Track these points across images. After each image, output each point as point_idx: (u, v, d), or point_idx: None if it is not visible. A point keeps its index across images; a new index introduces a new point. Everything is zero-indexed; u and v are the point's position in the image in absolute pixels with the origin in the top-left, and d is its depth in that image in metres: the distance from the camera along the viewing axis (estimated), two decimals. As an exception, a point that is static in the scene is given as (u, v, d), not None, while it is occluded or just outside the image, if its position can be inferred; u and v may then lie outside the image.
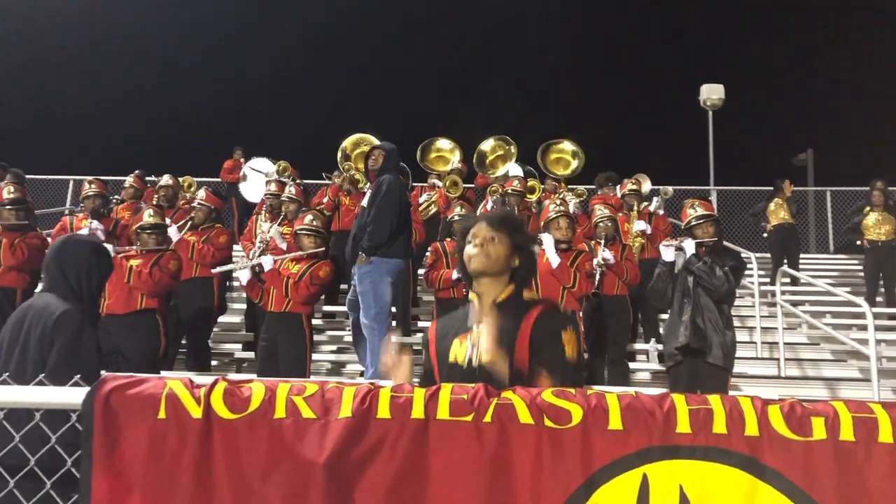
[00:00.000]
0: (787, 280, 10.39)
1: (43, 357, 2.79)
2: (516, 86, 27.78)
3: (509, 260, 2.46)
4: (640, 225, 8.08)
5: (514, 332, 2.35)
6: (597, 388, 2.49)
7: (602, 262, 6.47)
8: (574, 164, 9.77)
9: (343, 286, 8.96)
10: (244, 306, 8.62)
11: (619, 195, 9.15)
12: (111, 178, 11.63)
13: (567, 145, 9.82)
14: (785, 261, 10.46)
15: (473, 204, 8.99)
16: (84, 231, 7.05)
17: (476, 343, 2.33)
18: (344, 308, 8.78)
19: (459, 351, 2.40)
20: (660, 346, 6.86)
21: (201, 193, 7.83)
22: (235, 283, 8.53)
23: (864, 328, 7.18)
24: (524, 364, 2.33)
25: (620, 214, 8.26)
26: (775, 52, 26.53)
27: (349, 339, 8.23)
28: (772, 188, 11.34)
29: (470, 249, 2.46)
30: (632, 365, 7.27)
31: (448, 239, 7.01)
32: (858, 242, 10.11)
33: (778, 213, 10.84)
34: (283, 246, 7.21)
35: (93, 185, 7.75)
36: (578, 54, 27.20)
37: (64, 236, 3.53)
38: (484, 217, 2.56)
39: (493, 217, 2.54)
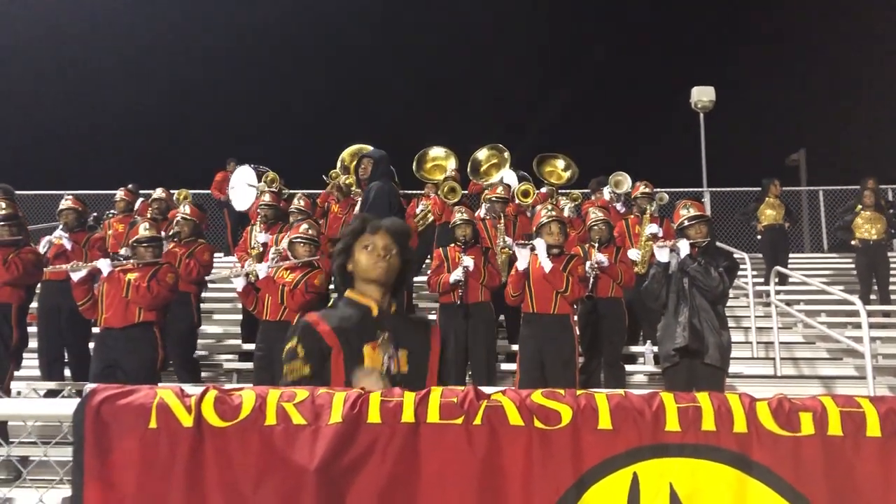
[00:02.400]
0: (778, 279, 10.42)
1: None
2: (509, 90, 27.88)
3: (400, 274, 2.52)
4: (652, 228, 8.04)
5: (426, 350, 2.52)
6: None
7: (596, 265, 6.49)
8: (566, 175, 9.86)
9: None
10: (239, 317, 8.62)
11: (605, 198, 9.32)
12: (102, 193, 11.67)
13: (560, 162, 9.92)
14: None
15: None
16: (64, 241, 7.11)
17: (393, 354, 2.41)
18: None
19: (375, 357, 2.39)
20: (655, 348, 6.86)
21: (185, 208, 7.89)
22: (230, 294, 8.53)
23: (858, 326, 7.20)
24: (434, 375, 2.50)
25: (632, 216, 8.33)
26: (765, 53, 26.68)
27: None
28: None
29: (371, 258, 2.45)
30: (627, 367, 7.28)
31: (452, 245, 7.01)
32: (854, 242, 10.13)
33: (768, 213, 10.85)
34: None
35: (67, 201, 7.84)
36: (570, 59, 27.33)
37: None
38: (384, 225, 2.51)
39: (392, 227, 2.51)
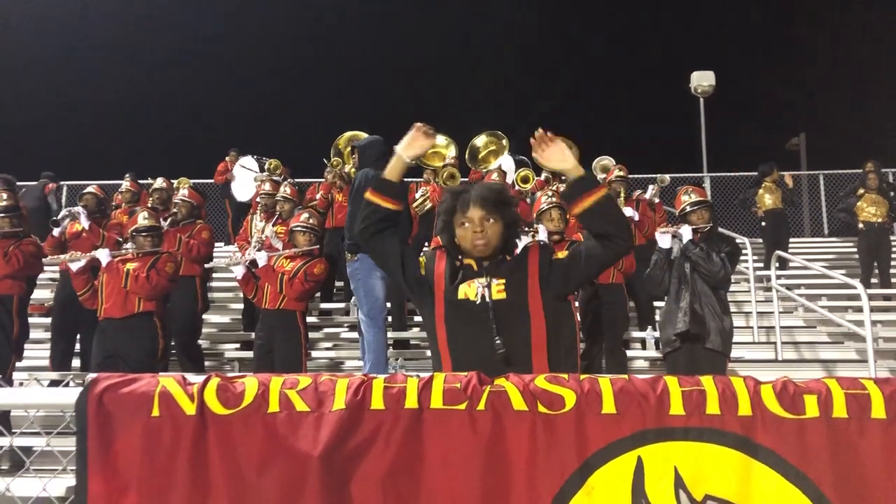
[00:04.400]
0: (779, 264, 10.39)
1: None
2: (509, 76, 27.77)
3: (503, 236, 2.59)
4: (626, 212, 8.02)
5: (523, 271, 2.54)
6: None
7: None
8: None
9: (339, 283, 8.98)
10: (241, 306, 8.62)
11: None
12: (102, 182, 11.62)
13: None
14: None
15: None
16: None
17: (487, 284, 2.49)
18: (339, 305, 8.83)
19: (469, 290, 2.51)
20: (656, 334, 6.85)
21: (183, 191, 7.92)
22: (231, 284, 8.54)
23: (859, 310, 7.20)
24: (536, 292, 2.52)
25: None
26: (765, 37, 26.56)
27: (346, 335, 8.26)
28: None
29: (468, 235, 2.54)
30: (629, 353, 7.28)
31: None
32: (861, 226, 10.07)
33: (767, 199, 10.82)
34: (279, 246, 7.22)
35: (91, 188, 8.01)
36: (570, 45, 27.22)
37: None
38: (474, 198, 2.56)
39: (484, 197, 2.56)
